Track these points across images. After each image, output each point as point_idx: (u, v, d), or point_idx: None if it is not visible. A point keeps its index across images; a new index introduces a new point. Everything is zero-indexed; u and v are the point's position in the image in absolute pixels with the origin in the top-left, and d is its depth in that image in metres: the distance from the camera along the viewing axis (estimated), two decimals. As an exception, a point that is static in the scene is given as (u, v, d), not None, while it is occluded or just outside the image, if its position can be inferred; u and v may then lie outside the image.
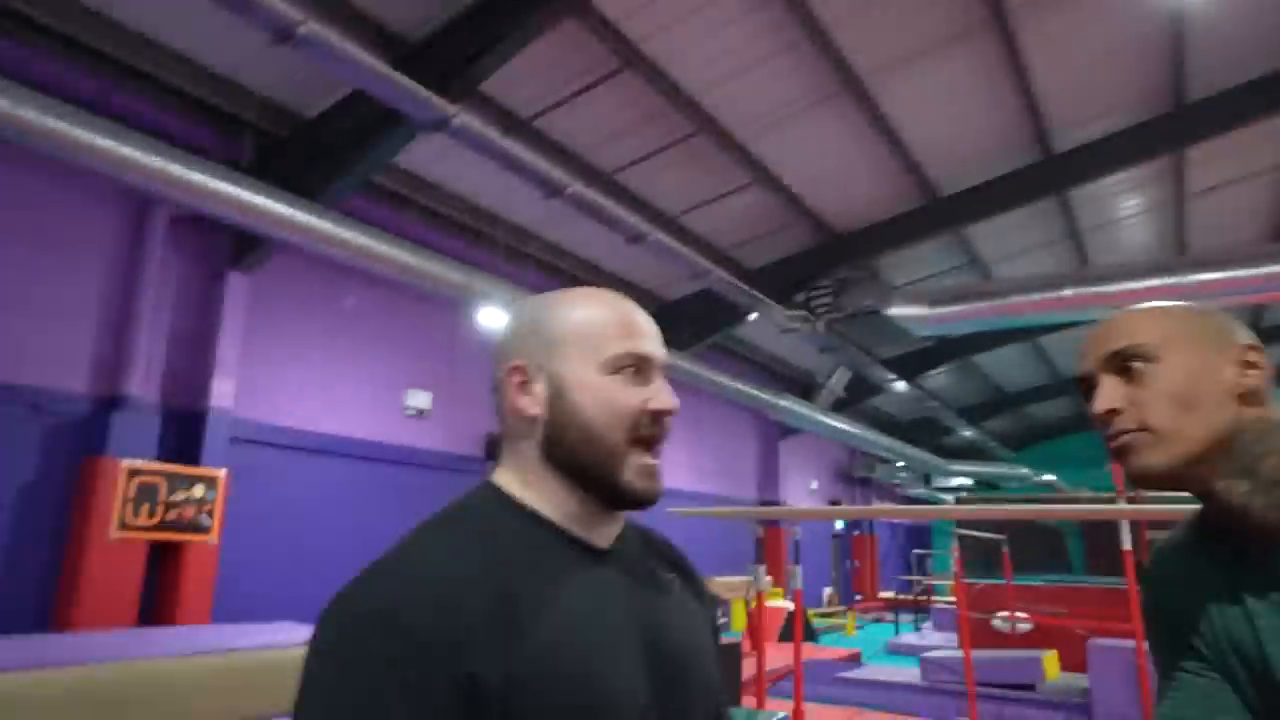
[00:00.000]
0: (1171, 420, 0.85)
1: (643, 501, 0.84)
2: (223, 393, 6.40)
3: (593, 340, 0.85)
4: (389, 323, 8.22)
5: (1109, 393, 0.88)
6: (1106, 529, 8.31)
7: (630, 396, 0.84)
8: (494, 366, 0.90)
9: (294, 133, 6.74)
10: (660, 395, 0.86)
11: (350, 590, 0.73)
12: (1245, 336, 0.88)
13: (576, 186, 6.66)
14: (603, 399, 0.83)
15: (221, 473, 6.11)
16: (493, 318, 7.65)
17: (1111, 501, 7.01)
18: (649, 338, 0.87)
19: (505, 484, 0.86)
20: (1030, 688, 7.01)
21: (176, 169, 5.09)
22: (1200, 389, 0.85)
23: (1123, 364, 0.88)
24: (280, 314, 7.22)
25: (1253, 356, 0.86)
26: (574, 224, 8.42)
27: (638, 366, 0.85)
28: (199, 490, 5.90)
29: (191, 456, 6.14)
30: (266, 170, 6.29)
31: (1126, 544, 4.78)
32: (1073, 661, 7.48)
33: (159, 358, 6.22)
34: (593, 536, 0.85)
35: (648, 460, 0.84)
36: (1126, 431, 0.86)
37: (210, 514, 5.95)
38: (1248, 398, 0.85)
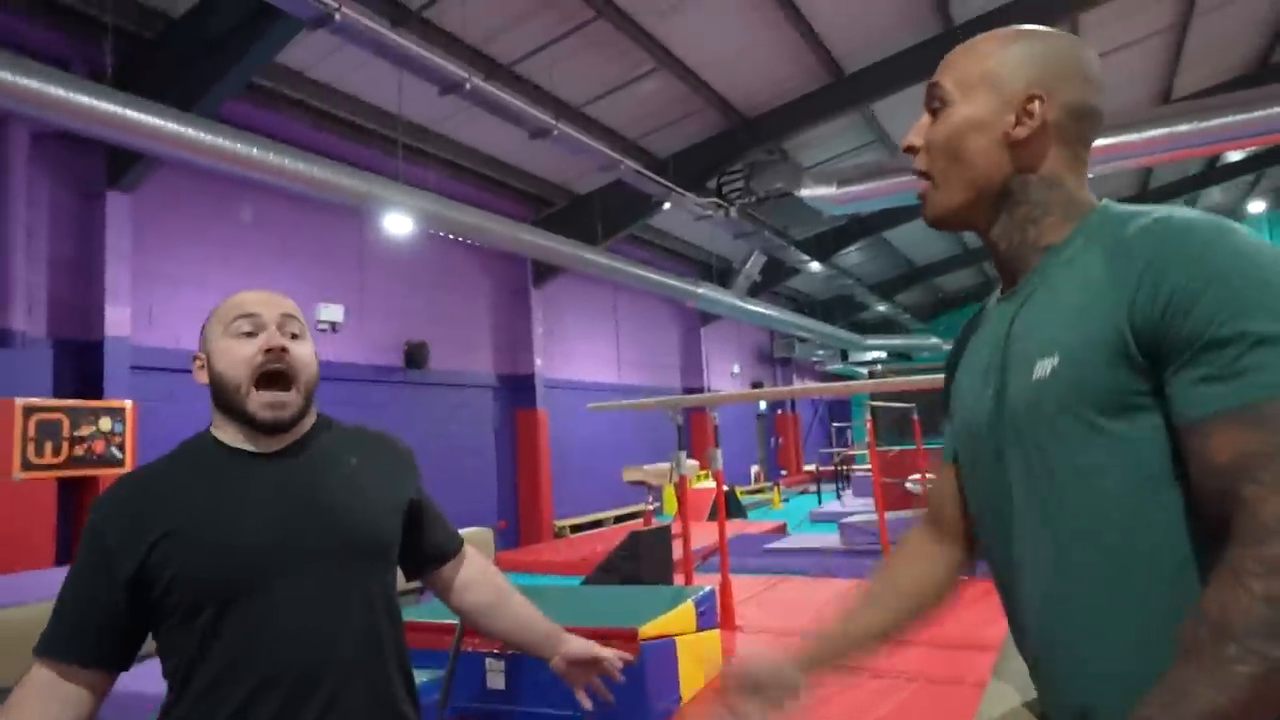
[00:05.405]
0: (942, 169, 0.90)
1: (269, 428, 1.19)
2: (118, 321, 6.11)
3: (220, 319, 1.22)
4: (292, 235, 7.88)
5: (916, 129, 0.92)
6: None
7: (244, 348, 1.18)
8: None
9: (161, 35, 6.19)
10: (267, 339, 1.18)
11: None
12: (1044, 82, 0.86)
13: (475, 80, 6.38)
14: (226, 355, 1.19)
15: (128, 404, 5.90)
16: (399, 224, 7.40)
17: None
18: (257, 302, 1.22)
19: (211, 427, 1.25)
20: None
21: (30, 82, 4.63)
22: (972, 138, 0.88)
23: (933, 100, 0.91)
24: (171, 233, 6.83)
25: (1031, 107, 0.86)
26: (475, 120, 8.10)
27: (251, 327, 1.19)
28: (106, 423, 5.70)
29: (94, 389, 5.90)
30: (133, 78, 5.80)
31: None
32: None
33: (41, 288, 5.86)
34: (257, 447, 1.21)
35: (267, 396, 1.18)
36: (919, 175, 0.92)
37: (121, 446, 5.78)
38: (1021, 147, 0.87)
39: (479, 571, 1.45)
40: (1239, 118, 7.56)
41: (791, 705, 0.99)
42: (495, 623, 1.42)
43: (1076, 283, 0.81)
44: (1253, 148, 11.21)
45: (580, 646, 1.40)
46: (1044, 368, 0.81)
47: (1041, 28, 0.91)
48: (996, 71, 0.87)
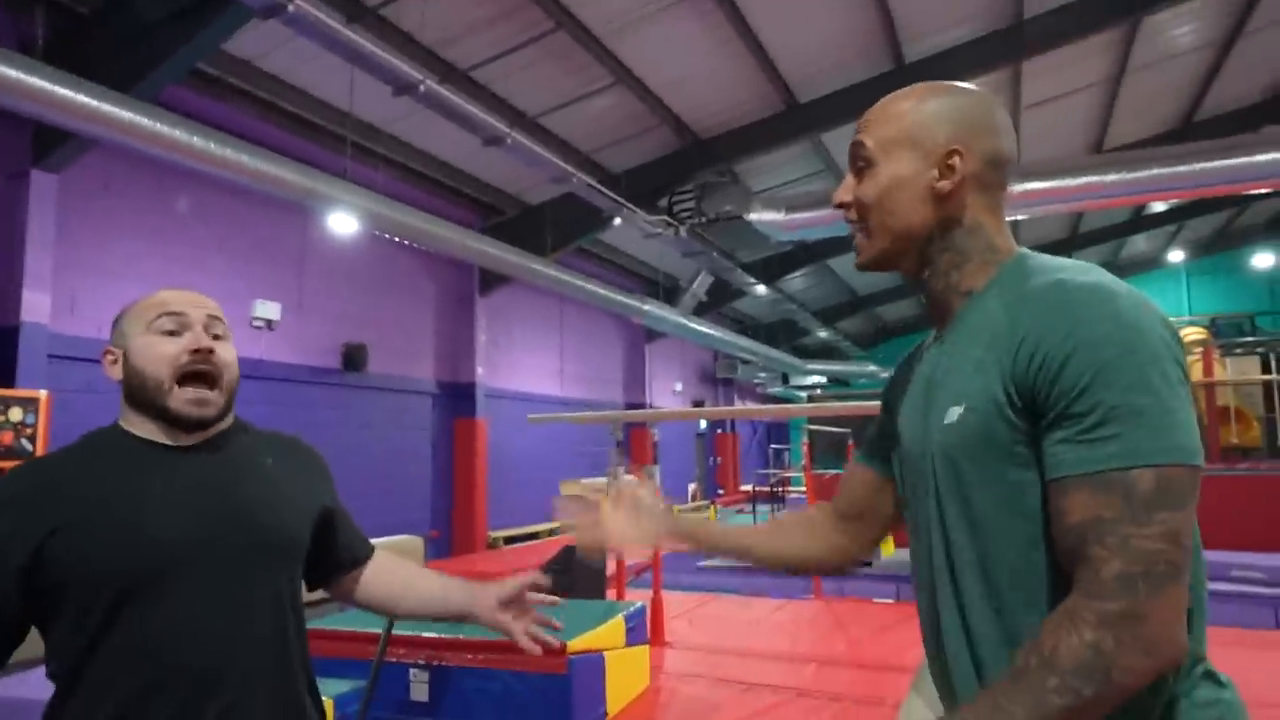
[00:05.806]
0: (874, 220, 0.95)
1: (191, 424, 1.17)
2: (36, 306, 5.83)
3: (140, 315, 1.19)
4: (231, 228, 7.65)
5: (845, 185, 0.98)
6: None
7: (168, 345, 1.16)
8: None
9: (98, 11, 5.97)
10: (193, 338, 1.17)
11: None
12: (960, 137, 0.91)
13: (429, 83, 6.32)
14: (147, 351, 1.16)
15: (42, 394, 5.62)
16: (343, 223, 7.25)
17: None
18: (182, 301, 1.20)
19: (120, 420, 1.21)
20: (868, 564, 7.70)
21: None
22: (898, 195, 0.93)
23: (858, 160, 0.96)
24: (102, 219, 6.57)
25: (952, 161, 0.91)
26: (428, 123, 8.01)
27: (175, 326, 1.17)
28: (16, 413, 5.42)
29: (6, 377, 5.61)
30: (66, 53, 5.57)
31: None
32: (906, 539, 8.24)
33: (-46, 268, 5.56)
34: (172, 441, 1.18)
35: (191, 393, 1.16)
36: (853, 224, 0.98)
37: (32, 438, 5.50)
38: (945, 198, 0.92)
39: (381, 567, 1.43)
40: (1163, 171, 7.94)
41: (646, 535, 1.18)
42: (412, 605, 1.40)
43: (985, 334, 0.86)
44: (1175, 200, 11.81)
45: (496, 589, 1.33)
46: (953, 414, 0.86)
47: (949, 84, 0.96)
48: (916, 130, 0.92)
